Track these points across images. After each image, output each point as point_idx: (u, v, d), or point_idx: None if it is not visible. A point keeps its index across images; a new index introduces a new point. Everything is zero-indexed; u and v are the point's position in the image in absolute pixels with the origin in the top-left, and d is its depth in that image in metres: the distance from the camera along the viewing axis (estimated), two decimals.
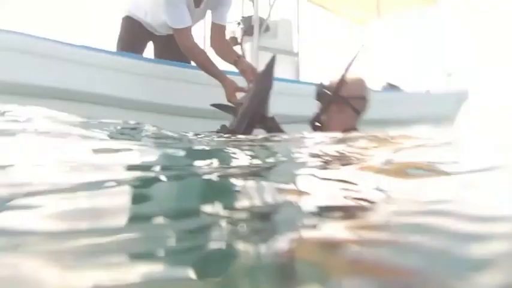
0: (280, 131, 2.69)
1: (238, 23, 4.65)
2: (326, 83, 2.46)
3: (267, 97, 2.67)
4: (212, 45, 3.31)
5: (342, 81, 2.35)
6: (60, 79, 3.02)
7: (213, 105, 2.74)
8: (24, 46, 2.91)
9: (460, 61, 6.82)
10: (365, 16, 7.66)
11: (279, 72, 4.12)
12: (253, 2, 4.64)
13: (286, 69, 4.78)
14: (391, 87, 5.70)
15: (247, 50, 4.59)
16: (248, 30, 4.57)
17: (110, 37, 3.63)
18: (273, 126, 2.68)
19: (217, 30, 3.31)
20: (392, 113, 5.06)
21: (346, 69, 2.40)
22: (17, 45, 2.88)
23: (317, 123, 2.47)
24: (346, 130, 2.26)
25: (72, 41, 3.12)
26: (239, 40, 4.75)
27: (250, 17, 4.62)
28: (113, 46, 3.51)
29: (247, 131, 2.64)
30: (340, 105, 2.37)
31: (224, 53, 3.21)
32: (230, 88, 2.85)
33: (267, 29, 4.67)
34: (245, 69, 2.95)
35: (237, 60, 3.03)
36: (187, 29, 3.03)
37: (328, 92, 2.40)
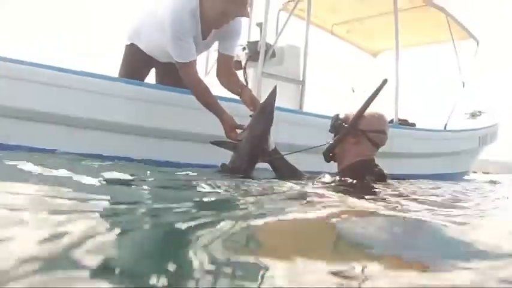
0: (284, 164, 2.77)
1: (244, 48, 4.50)
2: (341, 115, 2.54)
3: (267, 131, 2.71)
4: (218, 74, 3.30)
5: (361, 114, 2.40)
6: (61, 105, 3.08)
7: (213, 142, 2.73)
8: (26, 74, 2.99)
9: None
10: (380, 47, 7.64)
11: (282, 99, 4.00)
12: (260, 27, 4.50)
13: (290, 97, 4.63)
14: (407, 124, 5.69)
15: (251, 75, 4.46)
16: (253, 56, 4.43)
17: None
18: (274, 160, 2.75)
19: (225, 60, 3.29)
20: (406, 147, 5.16)
21: (367, 103, 2.44)
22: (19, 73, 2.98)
23: (331, 154, 2.54)
24: (362, 161, 2.42)
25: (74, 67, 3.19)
26: (243, 64, 4.63)
27: (256, 42, 4.48)
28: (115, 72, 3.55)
29: (249, 167, 2.69)
30: (358, 138, 2.43)
31: (230, 83, 3.22)
32: (228, 125, 2.85)
33: (273, 55, 4.52)
34: (248, 100, 2.99)
35: (240, 91, 3.07)
36: (192, 64, 3.00)
37: (345, 125, 2.46)
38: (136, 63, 3.50)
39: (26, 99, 3.00)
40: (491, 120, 7.41)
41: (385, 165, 2.58)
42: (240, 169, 2.64)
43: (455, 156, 6.29)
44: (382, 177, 2.41)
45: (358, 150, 2.46)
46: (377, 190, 2.16)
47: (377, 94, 2.51)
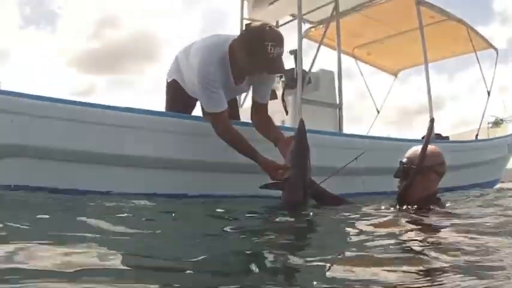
0: (325, 193, 2.88)
1: (280, 76, 4.53)
2: (404, 159, 2.72)
3: (307, 162, 2.80)
4: (252, 119, 3.28)
5: (425, 153, 2.58)
6: (111, 145, 2.96)
7: (261, 187, 2.78)
8: (70, 114, 2.89)
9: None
10: (400, 66, 7.71)
11: (321, 125, 3.99)
12: (294, 54, 4.55)
13: (329, 121, 4.64)
14: (441, 138, 5.74)
15: (290, 103, 4.48)
16: (290, 83, 4.47)
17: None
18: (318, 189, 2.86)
19: (259, 108, 3.27)
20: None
21: (426, 143, 2.63)
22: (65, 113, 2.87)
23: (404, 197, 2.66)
24: (430, 194, 2.66)
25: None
26: (279, 93, 4.67)
27: (292, 70, 4.51)
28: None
29: (305, 198, 2.80)
30: (425, 174, 2.62)
31: (264, 129, 3.19)
32: (270, 168, 2.85)
33: (309, 81, 4.55)
34: (283, 148, 2.95)
35: (276, 140, 3.06)
36: (223, 114, 2.96)
37: (412, 166, 2.61)
38: (181, 98, 3.43)
39: (83, 141, 2.90)
40: None
41: None
42: (300, 200, 2.76)
43: (488, 165, 6.25)
44: (443, 205, 2.70)
45: (427, 185, 2.66)
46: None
47: (431, 133, 2.76)
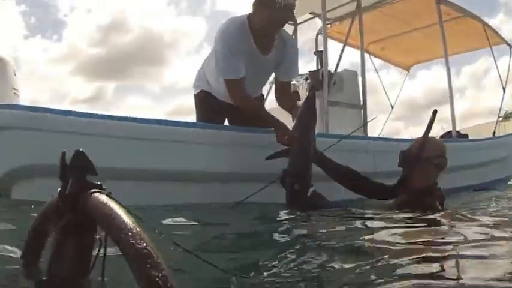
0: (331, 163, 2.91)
1: (306, 78, 4.47)
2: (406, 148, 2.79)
3: (313, 128, 2.92)
4: (277, 97, 3.41)
5: (423, 145, 2.65)
6: (149, 160, 2.86)
7: (268, 157, 2.83)
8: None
9: None
10: (413, 61, 7.69)
11: (346, 126, 3.93)
12: (319, 55, 4.49)
13: (353, 122, 4.57)
14: (460, 136, 5.70)
15: (316, 105, 4.40)
16: (316, 85, 4.39)
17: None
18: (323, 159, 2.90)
19: (282, 86, 3.39)
20: (466, 159, 5.08)
21: (426, 134, 2.72)
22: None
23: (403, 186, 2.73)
24: (428, 186, 2.66)
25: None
26: (301, 93, 4.62)
27: (317, 71, 4.44)
28: None
29: (307, 167, 2.81)
30: (424, 166, 2.65)
31: (287, 105, 3.32)
32: (280, 131, 2.93)
33: (334, 82, 4.49)
34: (295, 113, 3.08)
35: (291, 108, 3.20)
36: (240, 81, 2.98)
37: (415, 155, 2.67)
38: (212, 108, 3.37)
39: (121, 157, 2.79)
40: None
41: (447, 179, 2.93)
42: (300, 169, 2.78)
43: (505, 161, 6.25)
44: (442, 199, 2.70)
45: (425, 177, 2.67)
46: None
47: (431, 125, 2.78)
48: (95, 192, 0.82)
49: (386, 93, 7.38)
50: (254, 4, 3.03)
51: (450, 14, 5.73)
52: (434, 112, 2.83)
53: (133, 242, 0.66)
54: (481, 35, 6.23)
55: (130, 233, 0.68)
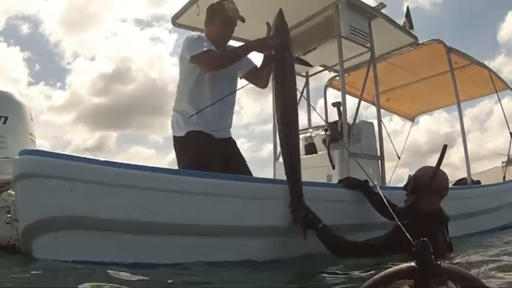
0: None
1: (325, 130, 4.47)
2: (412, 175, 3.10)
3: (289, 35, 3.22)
4: (257, 83, 3.54)
5: (434, 177, 2.74)
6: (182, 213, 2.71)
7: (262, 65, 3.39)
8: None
9: None
10: (418, 111, 7.77)
11: (366, 176, 3.87)
12: (338, 107, 4.49)
13: (372, 173, 4.54)
14: (474, 182, 5.67)
15: (336, 157, 4.37)
16: (335, 137, 4.38)
17: None
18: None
19: (253, 73, 3.50)
20: (481, 205, 5.14)
21: (437, 168, 2.77)
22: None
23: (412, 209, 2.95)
24: (434, 211, 2.97)
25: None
26: (317, 145, 4.61)
27: (335, 123, 4.44)
28: None
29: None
30: (431, 193, 2.92)
31: (263, 77, 3.51)
32: (259, 44, 3.26)
33: (352, 133, 4.48)
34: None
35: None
36: (210, 51, 3.08)
37: (423, 185, 2.88)
38: (208, 148, 3.21)
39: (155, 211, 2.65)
40: None
41: (464, 226, 3.44)
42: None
43: None
44: (446, 220, 3.03)
45: (430, 203, 2.97)
46: None
47: (442, 159, 2.79)
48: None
49: (393, 144, 7.40)
50: (206, 20, 3.41)
51: (458, 63, 5.82)
52: (444, 147, 2.80)
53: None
54: (487, 82, 6.34)
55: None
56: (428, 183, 2.84)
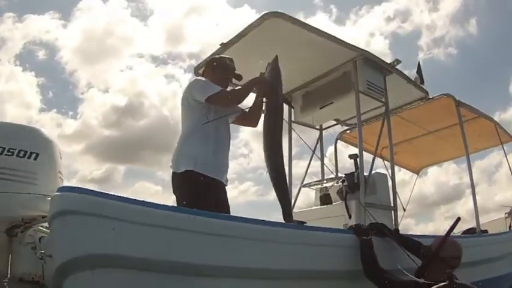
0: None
1: (343, 180, 4.62)
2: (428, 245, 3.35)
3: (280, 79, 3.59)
4: (247, 123, 3.83)
5: (442, 245, 3.16)
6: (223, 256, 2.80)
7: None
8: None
9: None
10: (423, 164, 7.94)
11: None
12: (354, 159, 4.67)
13: (388, 224, 4.67)
14: (482, 231, 5.81)
15: (353, 207, 4.50)
16: (352, 188, 4.54)
17: None
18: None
19: (243, 117, 3.75)
20: (490, 253, 5.27)
21: (445, 238, 3.24)
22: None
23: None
24: (443, 280, 2.91)
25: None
26: (332, 196, 4.76)
27: (352, 174, 4.60)
28: None
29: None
30: (439, 262, 3.18)
31: (255, 113, 3.72)
32: (258, 81, 3.57)
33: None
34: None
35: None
36: (221, 90, 3.35)
37: (431, 253, 3.24)
38: (206, 191, 3.31)
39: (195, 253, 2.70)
40: None
41: (474, 272, 3.63)
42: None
43: None
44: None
45: (438, 272, 3.05)
46: None
47: (453, 230, 3.34)
48: None
49: (399, 197, 7.56)
50: (206, 71, 3.73)
51: (465, 116, 6.02)
52: (458, 219, 3.38)
53: None
54: (493, 134, 6.56)
55: None
56: (435, 252, 3.18)
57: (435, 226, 12.54)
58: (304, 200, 5.75)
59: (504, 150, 6.87)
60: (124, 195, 2.65)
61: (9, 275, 3.52)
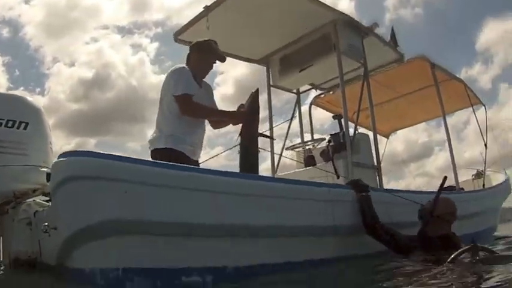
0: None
1: (329, 141, 4.65)
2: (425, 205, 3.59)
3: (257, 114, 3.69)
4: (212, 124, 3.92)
5: (435, 204, 3.47)
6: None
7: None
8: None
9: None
10: (394, 128, 8.04)
11: None
12: (339, 119, 4.70)
13: (371, 182, 4.73)
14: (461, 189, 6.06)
15: (340, 166, 4.53)
16: (338, 147, 4.57)
17: None
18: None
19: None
20: (468, 209, 5.31)
21: (437, 197, 3.53)
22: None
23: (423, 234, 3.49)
24: (444, 235, 3.40)
25: None
26: (316, 156, 4.78)
27: (337, 134, 4.64)
28: None
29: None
30: (436, 220, 3.46)
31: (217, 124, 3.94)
32: (234, 114, 3.72)
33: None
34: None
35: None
36: (191, 96, 3.44)
37: (427, 213, 3.50)
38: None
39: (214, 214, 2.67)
40: (503, 176, 7.82)
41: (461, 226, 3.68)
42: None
43: (492, 212, 6.57)
44: (456, 245, 3.18)
45: (438, 228, 3.46)
46: None
47: (441, 189, 3.64)
48: None
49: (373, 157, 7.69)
50: (191, 54, 3.79)
51: (439, 78, 6.15)
52: (445, 178, 3.75)
53: None
54: (463, 96, 6.71)
55: None
56: (430, 211, 3.45)
57: (406, 183, 12.83)
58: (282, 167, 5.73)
59: (474, 113, 7.06)
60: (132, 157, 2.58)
61: (1, 257, 3.39)
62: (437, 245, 3.31)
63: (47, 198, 3.10)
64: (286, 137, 5.87)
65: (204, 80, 3.84)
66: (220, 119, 3.86)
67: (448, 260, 2.70)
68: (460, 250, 2.77)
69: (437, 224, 3.47)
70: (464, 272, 2.47)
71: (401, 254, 3.46)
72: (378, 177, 4.85)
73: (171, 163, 2.70)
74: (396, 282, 2.48)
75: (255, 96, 3.68)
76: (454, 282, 2.16)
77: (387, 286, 2.50)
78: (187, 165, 2.83)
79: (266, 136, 4.45)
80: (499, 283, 1.96)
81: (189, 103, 3.44)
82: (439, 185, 3.72)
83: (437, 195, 3.59)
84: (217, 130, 4.11)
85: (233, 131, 3.85)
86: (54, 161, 2.59)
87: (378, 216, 3.58)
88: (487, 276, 2.23)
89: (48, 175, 2.72)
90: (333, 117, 4.78)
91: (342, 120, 4.72)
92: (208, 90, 3.90)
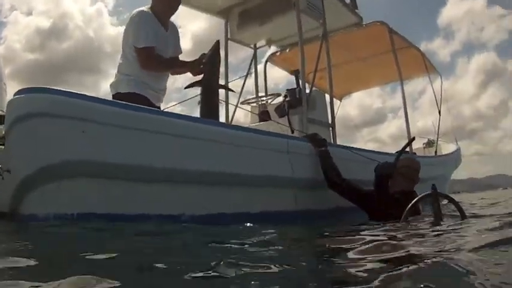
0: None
1: (285, 96, 4.66)
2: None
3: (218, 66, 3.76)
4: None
5: (398, 160, 3.54)
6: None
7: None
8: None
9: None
10: (347, 91, 8.12)
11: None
12: (296, 75, 4.71)
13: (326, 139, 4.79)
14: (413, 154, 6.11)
15: (296, 122, 4.55)
16: (294, 103, 4.59)
17: None
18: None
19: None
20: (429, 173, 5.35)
21: (401, 152, 3.67)
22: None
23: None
24: (404, 192, 3.36)
25: None
26: (270, 111, 4.81)
27: (293, 90, 4.65)
28: None
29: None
30: (395, 175, 3.47)
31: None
32: (192, 64, 3.69)
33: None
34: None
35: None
36: (153, 49, 3.38)
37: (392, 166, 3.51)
38: None
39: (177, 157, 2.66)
40: (454, 146, 8.05)
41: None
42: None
43: (442, 179, 6.78)
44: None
45: (398, 184, 3.46)
46: None
47: (407, 147, 3.86)
48: None
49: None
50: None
51: (397, 45, 6.22)
52: (413, 138, 4.32)
53: None
54: (419, 64, 6.84)
55: None
56: (391, 167, 3.48)
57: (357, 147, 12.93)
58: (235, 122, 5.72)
59: (430, 81, 7.21)
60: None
61: None
62: (400, 201, 3.15)
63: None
64: (241, 92, 5.85)
65: (171, 20, 3.72)
66: (181, 70, 3.82)
67: (409, 205, 2.78)
68: (421, 195, 2.81)
69: (400, 180, 3.47)
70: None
71: (364, 209, 3.57)
72: (332, 136, 4.91)
73: (131, 104, 2.66)
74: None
75: (215, 48, 3.67)
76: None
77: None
78: (148, 107, 2.82)
79: (226, 88, 4.56)
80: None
81: (149, 58, 3.38)
82: (404, 144, 3.89)
83: (402, 151, 3.69)
84: (171, 85, 4.05)
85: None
86: (9, 100, 2.46)
87: (338, 170, 3.63)
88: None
89: (2, 117, 2.58)
90: (290, 72, 4.79)
91: (299, 76, 4.71)
92: (175, 33, 3.78)
